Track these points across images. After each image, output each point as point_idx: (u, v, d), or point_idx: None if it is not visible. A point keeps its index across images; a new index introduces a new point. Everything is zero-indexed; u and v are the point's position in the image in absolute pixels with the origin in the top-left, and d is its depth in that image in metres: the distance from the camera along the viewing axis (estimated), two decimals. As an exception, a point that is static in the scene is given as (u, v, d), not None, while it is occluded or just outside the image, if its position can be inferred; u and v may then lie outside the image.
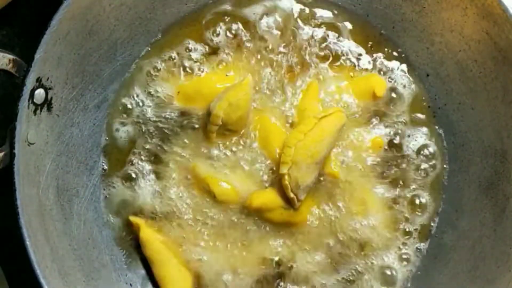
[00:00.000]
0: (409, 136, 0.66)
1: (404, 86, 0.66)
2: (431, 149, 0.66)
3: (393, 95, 0.66)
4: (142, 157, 0.64)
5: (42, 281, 0.52)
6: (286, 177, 0.59)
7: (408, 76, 0.67)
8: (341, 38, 0.66)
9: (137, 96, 0.64)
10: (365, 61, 0.66)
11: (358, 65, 0.66)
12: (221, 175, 0.62)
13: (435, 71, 0.66)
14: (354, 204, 0.63)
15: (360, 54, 0.66)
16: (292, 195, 0.60)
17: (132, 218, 0.62)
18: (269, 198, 0.61)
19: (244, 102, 0.61)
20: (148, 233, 0.62)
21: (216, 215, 0.62)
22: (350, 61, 0.66)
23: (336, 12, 0.67)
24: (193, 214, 0.63)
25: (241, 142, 0.63)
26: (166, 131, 0.64)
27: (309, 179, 0.60)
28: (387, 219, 0.64)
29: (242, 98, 0.61)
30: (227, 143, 0.63)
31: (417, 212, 0.65)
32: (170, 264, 0.62)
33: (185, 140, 0.63)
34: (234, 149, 0.63)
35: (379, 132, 0.65)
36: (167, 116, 0.64)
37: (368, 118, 0.65)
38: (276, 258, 0.63)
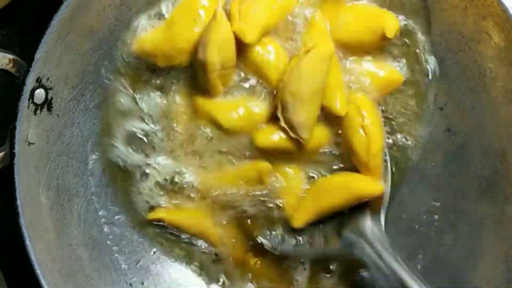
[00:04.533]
0: (408, 135, 0.66)
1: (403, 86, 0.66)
2: (430, 149, 0.66)
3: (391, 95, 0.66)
4: (143, 155, 0.64)
5: (42, 281, 0.52)
6: (281, 118, 0.58)
7: (408, 76, 0.66)
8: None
9: (138, 96, 0.64)
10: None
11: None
12: (226, 104, 0.60)
13: (435, 71, 0.66)
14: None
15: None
16: (293, 135, 0.59)
17: (153, 215, 0.63)
18: (275, 141, 0.59)
19: (228, 34, 0.56)
20: (174, 216, 0.62)
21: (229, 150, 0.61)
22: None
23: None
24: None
25: (240, 76, 0.60)
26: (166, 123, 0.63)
27: (300, 117, 0.58)
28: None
29: (225, 32, 0.56)
30: (230, 84, 0.60)
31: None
32: (206, 221, 0.63)
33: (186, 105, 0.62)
34: (235, 88, 0.60)
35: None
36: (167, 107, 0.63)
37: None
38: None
